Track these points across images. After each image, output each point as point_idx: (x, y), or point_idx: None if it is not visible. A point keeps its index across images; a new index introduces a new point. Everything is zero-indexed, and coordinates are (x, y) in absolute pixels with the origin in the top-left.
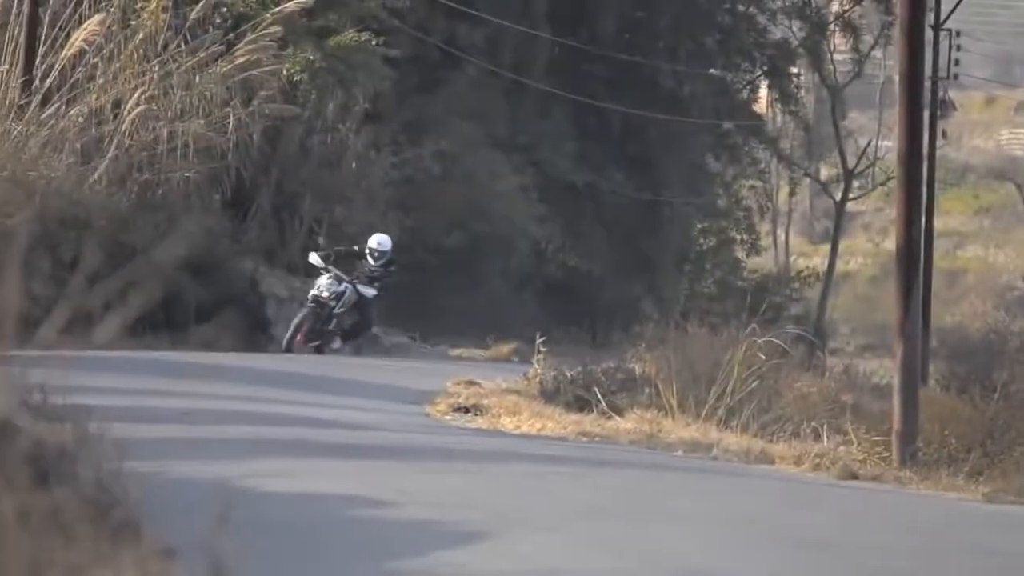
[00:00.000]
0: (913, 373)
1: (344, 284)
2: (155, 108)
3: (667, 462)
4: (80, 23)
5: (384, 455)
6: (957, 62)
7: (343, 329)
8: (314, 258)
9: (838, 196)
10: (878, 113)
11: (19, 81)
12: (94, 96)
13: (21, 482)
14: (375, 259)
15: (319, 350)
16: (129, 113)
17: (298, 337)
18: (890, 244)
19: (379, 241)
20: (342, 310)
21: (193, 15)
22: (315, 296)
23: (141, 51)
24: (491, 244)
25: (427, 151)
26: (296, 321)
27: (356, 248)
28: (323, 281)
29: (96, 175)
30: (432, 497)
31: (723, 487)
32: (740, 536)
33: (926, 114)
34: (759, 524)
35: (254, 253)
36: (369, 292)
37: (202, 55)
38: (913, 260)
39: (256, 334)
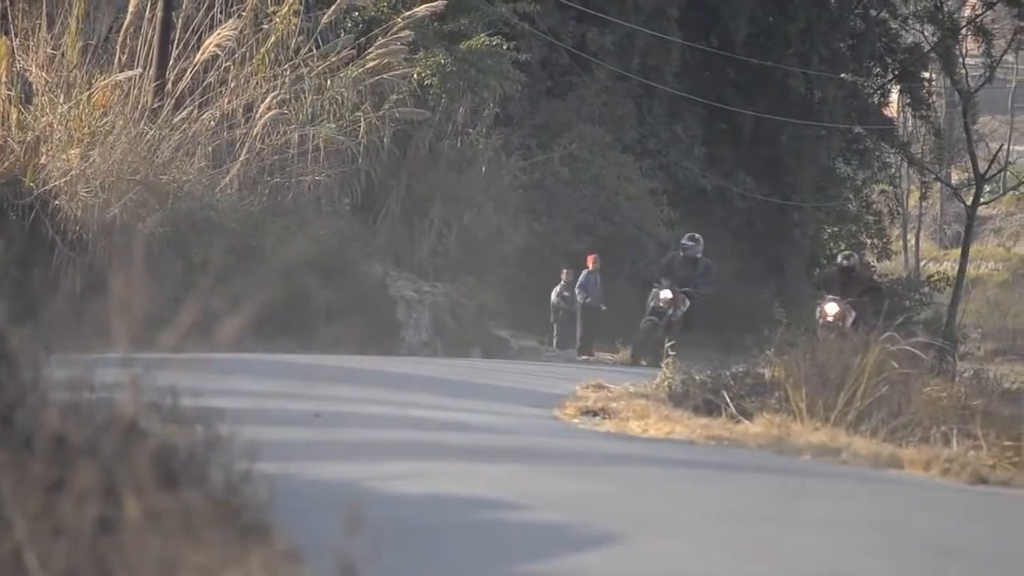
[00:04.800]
0: None
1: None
2: (286, 112)
3: (795, 466)
4: (212, 27)
5: (512, 458)
6: None
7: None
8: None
9: (969, 200)
10: (1010, 117)
11: (152, 85)
12: (226, 100)
13: (150, 484)
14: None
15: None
16: (260, 117)
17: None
18: (1021, 249)
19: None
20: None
21: (324, 19)
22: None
23: (272, 55)
24: (620, 248)
25: (556, 155)
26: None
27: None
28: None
29: (227, 179)
30: (560, 500)
31: (852, 491)
32: (871, 540)
33: None
34: (890, 528)
35: (383, 256)
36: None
37: (333, 59)
38: None
39: (385, 336)
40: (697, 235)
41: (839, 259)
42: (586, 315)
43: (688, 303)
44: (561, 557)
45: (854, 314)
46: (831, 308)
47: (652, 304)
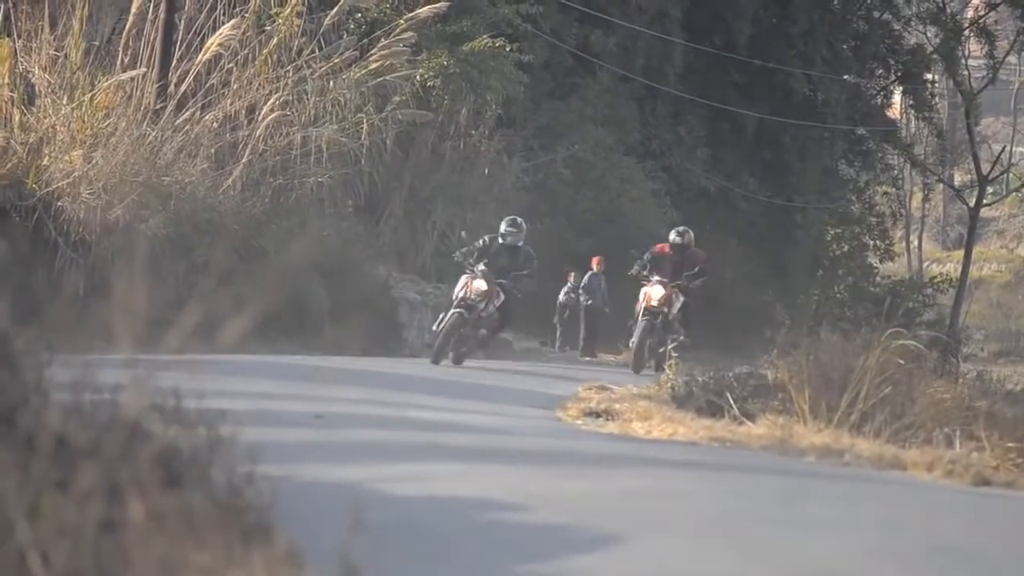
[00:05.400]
0: None
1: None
2: (289, 113)
3: (798, 468)
4: (215, 28)
5: (515, 459)
6: None
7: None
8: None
9: (972, 202)
10: (1012, 119)
11: (154, 86)
12: (228, 101)
13: (153, 485)
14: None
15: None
16: (263, 118)
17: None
18: None
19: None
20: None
21: (327, 21)
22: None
23: (275, 57)
24: (623, 250)
25: (559, 156)
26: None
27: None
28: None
29: (230, 180)
30: (563, 501)
31: (855, 492)
32: (874, 541)
33: None
34: (893, 529)
35: (386, 257)
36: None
37: (336, 61)
38: None
39: (388, 338)
40: (519, 219)
41: (671, 235)
42: (589, 316)
43: (503, 297)
44: (564, 558)
45: (682, 299)
46: (656, 292)
47: (461, 294)
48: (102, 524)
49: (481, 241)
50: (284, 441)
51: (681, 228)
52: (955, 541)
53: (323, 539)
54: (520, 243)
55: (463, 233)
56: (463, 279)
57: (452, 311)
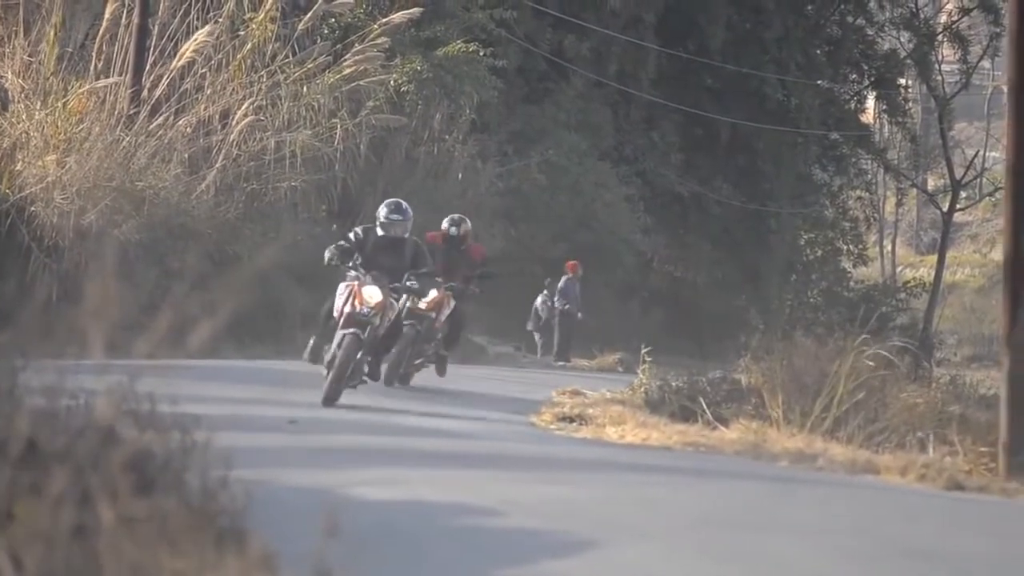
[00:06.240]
0: (1021, 384)
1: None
2: (263, 119)
3: (772, 472)
4: (189, 34)
5: (489, 464)
6: None
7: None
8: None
9: (945, 207)
10: (986, 124)
11: (128, 92)
12: (202, 107)
13: (125, 490)
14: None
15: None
16: (237, 124)
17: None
18: (997, 255)
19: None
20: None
21: (301, 26)
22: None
23: (249, 62)
24: (596, 254)
25: (533, 162)
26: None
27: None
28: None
29: (204, 185)
30: (537, 506)
31: (829, 497)
32: (847, 546)
33: None
34: (866, 534)
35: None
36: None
37: (310, 66)
38: (1021, 271)
39: None
40: (404, 203)
41: (445, 223)
42: (564, 321)
43: (453, 304)
44: (538, 563)
45: (453, 304)
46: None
47: (347, 308)
48: (75, 529)
49: (353, 234)
50: (258, 446)
51: (456, 216)
52: (928, 545)
53: (297, 544)
54: (406, 234)
55: None
56: (343, 287)
57: (342, 333)
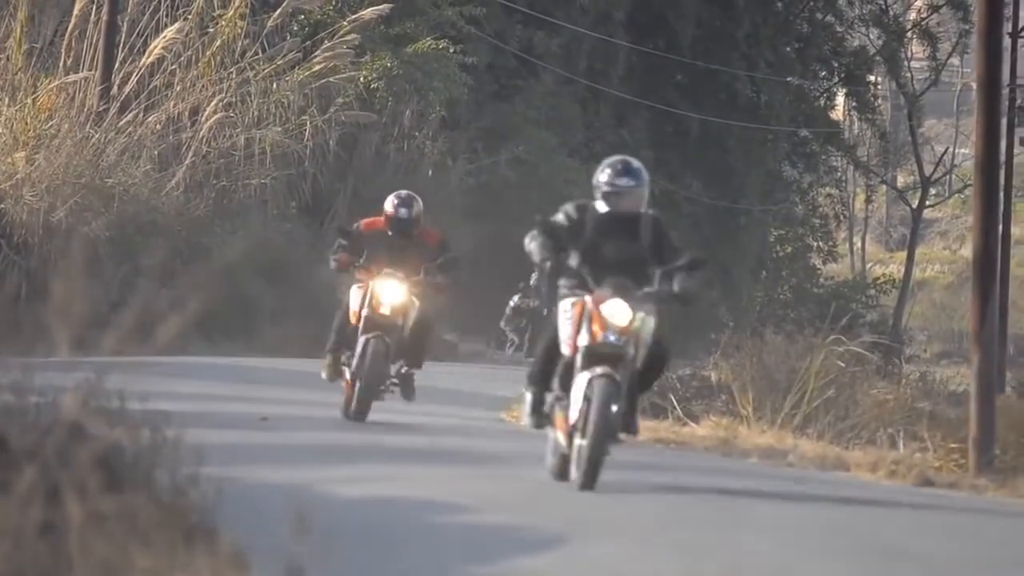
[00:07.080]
0: (990, 380)
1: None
2: (232, 115)
3: (742, 469)
4: (158, 31)
5: (460, 460)
6: None
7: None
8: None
9: (915, 203)
10: (955, 121)
11: (97, 88)
12: (172, 103)
13: (94, 486)
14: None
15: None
16: (206, 120)
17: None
18: (967, 251)
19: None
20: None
21: (271, 23)
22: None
23: (219, 58)
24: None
25: (503, 158)
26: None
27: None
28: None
29: (173, 182)
30: (507, 502)
31: (798, 494)
32: (816, 543)
33: (1003, 122)
34: (835, 531)
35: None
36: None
37: (279, 62)
38: (990, 268)
39: None
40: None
41: (389, 204)
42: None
43: (416, 304)
44: (509, 559)
45: (417, 305)
46: (390, 292)
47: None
48: (43, 526)
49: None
50: (228, 443)
51: (404, 194)
52: (899, 542)
53: (268, 541)
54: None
55: None
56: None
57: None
